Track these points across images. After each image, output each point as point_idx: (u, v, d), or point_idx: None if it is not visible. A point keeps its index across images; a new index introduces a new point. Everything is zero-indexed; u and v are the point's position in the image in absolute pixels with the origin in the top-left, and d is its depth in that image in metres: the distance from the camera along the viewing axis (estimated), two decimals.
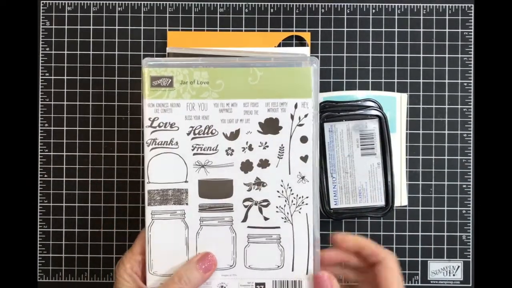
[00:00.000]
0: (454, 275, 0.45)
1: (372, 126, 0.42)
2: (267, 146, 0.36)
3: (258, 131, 0.36)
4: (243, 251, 0.36)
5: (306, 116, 0.35)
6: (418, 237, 0.45)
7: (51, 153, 0.46)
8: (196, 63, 0.35)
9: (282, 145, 0.36)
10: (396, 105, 0.45)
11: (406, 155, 0.45)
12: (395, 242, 0.45)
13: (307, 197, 0.36)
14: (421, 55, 0.46)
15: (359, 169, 0.42)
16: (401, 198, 0.45)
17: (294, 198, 0.36)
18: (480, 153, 0.45)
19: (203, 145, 0.35)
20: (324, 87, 0.46)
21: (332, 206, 0.42)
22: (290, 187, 0.36)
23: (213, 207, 0.36)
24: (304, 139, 0.36)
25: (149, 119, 0.35)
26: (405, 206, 0.45)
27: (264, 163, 0.36)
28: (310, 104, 0.35)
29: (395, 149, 0.44)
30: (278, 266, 0.36)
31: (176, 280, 0.33)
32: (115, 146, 0.46)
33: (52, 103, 0.46)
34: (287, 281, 0.36)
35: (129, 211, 0.45)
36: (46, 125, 0.46)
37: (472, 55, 0.46)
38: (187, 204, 0.36)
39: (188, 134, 0.35)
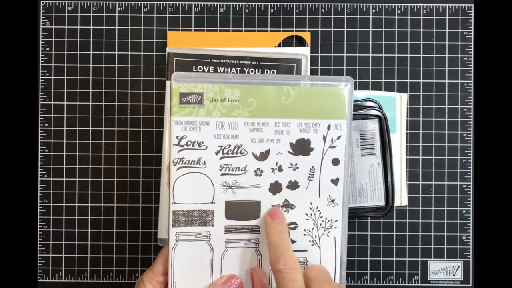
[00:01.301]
0: (454, 275, 0.45)
1: (372, 126, 0.42)
2: (297, 168, 0.35)
3: (289, 152, 0.35)
4: (269, 274, 0.35)
5: (339, 138, 0.34)
6: (418, 237, 0.45)
7: (51, 153, 0.46)
8: (228, 80, 0.34)
9: (312, 166, 0.35)
10: (396, 105, 0.45)
11: (406, 155, 0.45)
12: (395, 242, 0.45)
13: (336, 221, 0.35)
14: (421, 55, 0.46)
15: (359, 169, 0.42)
16: (401, 198, 0.45)
17: (323, 221, 0.35)
18: (480, 153, 0.45)
19: (231, 165, 0.34)
20: None
21: None
22: (319, 210, 0.35)
23: (240, 229, 0.35)
24: (336, 162, 0.35)
25: (177, 137, 0.34)
26: (405, 206, 0.45)
27: (293, 185, 0.35)
28: (344, 125, 0.34)
29: (395, 149, 0.44)
30: None
31: None
32: (115, 146, 0.46)
33: (52, 103, 0.46)
34: None
35: (129, 211, 0.45)
36: (46, 125, 0.46)
37: (472, 55, 0.46)
38: (212, 225, 0.34)
39: (217, 153, 0.34)
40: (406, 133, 0.45)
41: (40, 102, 0.46)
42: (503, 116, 0.44)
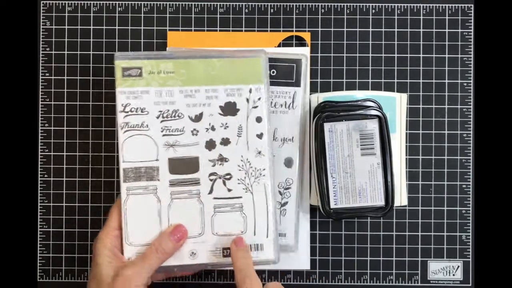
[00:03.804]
0: (454, 275, 0.45)
1: (372, 126, 0.42)
2: (228, 127, 0.40)
3: (219, 114, 0.40)
4: (210, 220, 0.40)
5: (259, 99, 0.40)
6: (418, 237, 0.45)
7: (51, 153, 0.46)
8: (162, 55, 0.40)
9: (240, 125, 0.40)
10: (396, 105, 0.45)
11: (406, 155, 0.45)
12: (395, 242, 0.45)
13: (264, 169, 0.40)
14: (421, 55, 0.46)
15: (359, 169, 0.42)
16: (401, 198, 0.45)
17: (253, 170, 0.40)
18: (480, 153, 0.45)
19: (171, 127, 0.40)
20: (324, 87, 0.46)
21: (332, 206, 0.42)
22: (249, 161, 0.40)
23: (182, 181, 0.40)
24: (259, 119, 0.40)
25: (122, 105, 0.40)
26: (405, 206, 0.45)
27: (225, 141, 0.40)
28: (263, 89, 0.40)
29: (395, 149, 0.44)
30: (242, 232, 0.40)
31: (154, 250, 0.37)
32: (115, 146, 0.46)
33: (52, 103, 0.46)
34: (250, 244, 0.40)
35: None
36: (46, 125, 0.46)
37: (472, 55, 0.46)
38: (158, 180, 0.39)
39: (157, 117, 0.40)
40: (406, 133, 0.45)
41: (40, 102, 0.46)
42: (503, 116, 0.44)
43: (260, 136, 0.40)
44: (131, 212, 0.39)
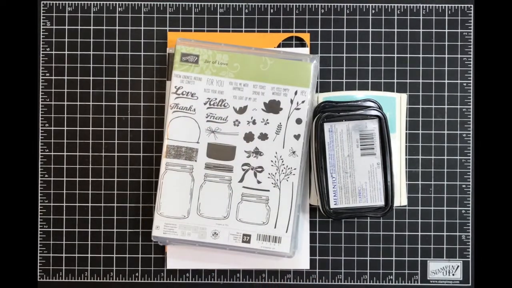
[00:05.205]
0: (453, 274, 0.45)
1: (372, 126, 0.42)
2: (268, 123, 0.42)
3: (262, 109, 0.42)
4: (236, 206, 0.43)
5: (303, 102, 0.42)
6: (417, 237, 0.45)
7: (52, 153, 0.46)
8: (220, 47, 0.43)
9: (280, 123, 0.42)
10: (396, 105, 0.45)
11: (406, 155, 0.45)
12: (395, 242, 0.45)
13: (295, 169, 0.42)
14: (421, 55, 0.46)
15: (359, 169, 0.42)
16: (400, 198, 0.45)
17: (284, 168, 0.42)
18: (479, 153, 0.45)
19: (215, 114, 0.42)
20: (323, 87, 0.46)
21: (332, 206, 0.42)
22: (282, 159, 0.42)
23: (217, 166, 0.43)
24: (299, 121, 0.42)
25: (175, 87, 0.42)
26: (405, 206, 0.45)
27: (263, 136, 0.42)
28: (308, 92, 0.42)
29: (394, 149, 0.44)
30: (264, 223, 0.42)
31: None
32: (115, 146, 0.46)
33: (53, 103, 0.46)
34: (269, 236, 0.42)
35: (129, 211, 0.45)
36: (47, 125, 0.46)
37: (471, 56, 0.46)
38: (196, 161, 0.42)
39: (205, 104, 0.42)
40: (406, 133, 0.45)
41: (40, 102, 0.46)
42: (502, 116, 0.44)
43: (297, 137, 0.42)
44: (166, 186, 0.42)
